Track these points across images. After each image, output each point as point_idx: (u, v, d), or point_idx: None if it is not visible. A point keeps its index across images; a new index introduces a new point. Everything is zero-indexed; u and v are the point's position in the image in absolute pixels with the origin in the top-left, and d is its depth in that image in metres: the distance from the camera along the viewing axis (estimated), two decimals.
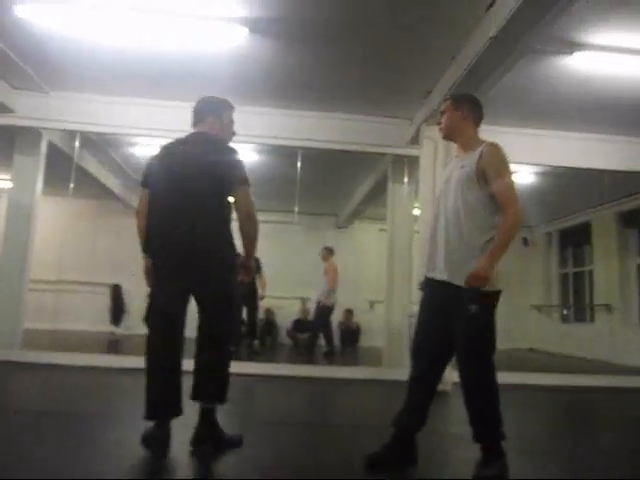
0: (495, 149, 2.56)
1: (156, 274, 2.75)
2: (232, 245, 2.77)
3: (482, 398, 2.48)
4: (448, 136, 2.77)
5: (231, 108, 3.01)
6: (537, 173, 7.28)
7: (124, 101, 5.80)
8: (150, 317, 2.71)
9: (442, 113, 2.76)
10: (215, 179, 2.70)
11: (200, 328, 2.75)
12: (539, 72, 4.72)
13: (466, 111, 2.69)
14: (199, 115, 2.92)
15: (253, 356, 7.16)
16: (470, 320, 2.44)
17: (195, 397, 2.68)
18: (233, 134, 3.01)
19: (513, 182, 2.55)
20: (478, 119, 2.73)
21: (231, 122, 3.00)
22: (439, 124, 2.78)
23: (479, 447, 2.47)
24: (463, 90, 3.79)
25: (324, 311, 7.96)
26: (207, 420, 2.66)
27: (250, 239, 2.78)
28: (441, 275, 2.57)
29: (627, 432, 3.91)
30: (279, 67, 4.95)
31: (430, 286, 2.66)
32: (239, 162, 2.81)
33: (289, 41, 4.49)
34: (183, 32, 4.38)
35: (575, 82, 4.86)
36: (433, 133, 5.33)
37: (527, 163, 6.28)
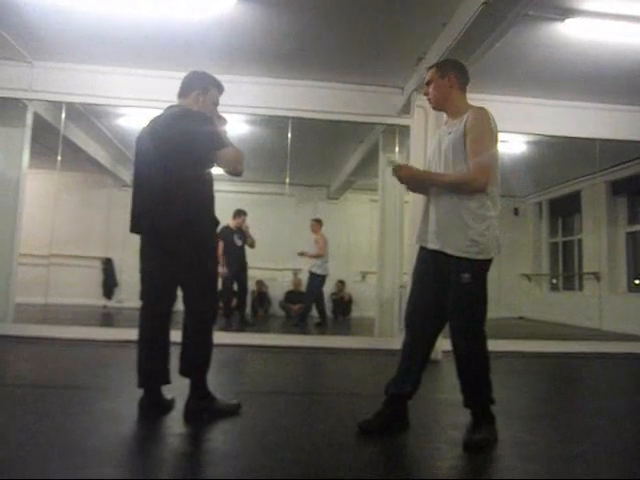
0: (480, 113, 2.51)
1: (142, 251, 2.81)
2: (206, 219, 2.74)
3: (473, 365, 2.52)
4: (438, 107, 2.72)
5: (219, 88, 2.90)
6: (528, 142, 7.25)
7: (110, 71, 5.67)
8: (141, 292, 2.83)
9: (428, 83, 2.71)
10: (181, 153, 2.64)
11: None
12: (531, 39, 4.65)
13: (453, 78, 2.64)
14: (184, 88, 2.86)
15: (245, 327, 7.20)
16: (462, 288, 2.45)
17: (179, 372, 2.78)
18: (216, 117, 2.89)
19: (494, 148, 2.48)
20: (464, 84, 2.68)
21: (214, 103, 2.89)
22: (426, 94, 2.74)
23: (469, 412, 2.53)
24: (455, 57, 3.73)
25: (316, 281, 8.00)
26: (194, 392, 2.73)
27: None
28: (433, 244, 2.57)
29: (613, 395, 3.99)
30: (267, 35, 4.84)
31: (422, 255, 2.67)
32: (208, 130, 2.71)
33: (277, 9, 4.38)
34: None
35: (567, 49, 4.81)
36: (424, 102, 5.26)
37: (518, 132, 6.24)
